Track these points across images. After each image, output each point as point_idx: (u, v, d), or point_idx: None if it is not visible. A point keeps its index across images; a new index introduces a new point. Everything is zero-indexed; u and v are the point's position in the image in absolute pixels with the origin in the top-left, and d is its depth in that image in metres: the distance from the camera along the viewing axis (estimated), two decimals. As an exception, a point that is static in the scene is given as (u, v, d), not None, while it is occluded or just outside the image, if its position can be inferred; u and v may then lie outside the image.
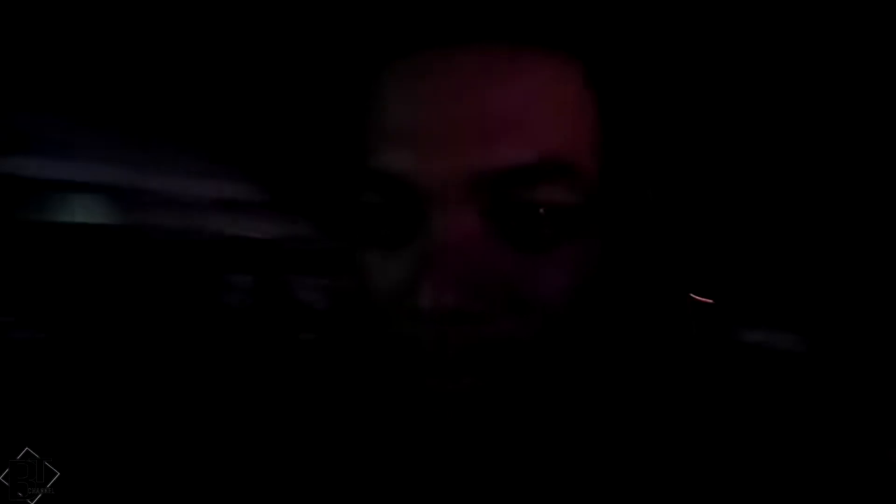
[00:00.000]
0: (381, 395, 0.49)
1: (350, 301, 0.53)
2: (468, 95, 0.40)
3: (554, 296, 0.41)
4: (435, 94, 0.41)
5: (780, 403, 0.50)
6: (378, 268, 0.44)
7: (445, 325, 0.40)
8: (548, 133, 0.41)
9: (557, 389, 0.44)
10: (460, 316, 0.40)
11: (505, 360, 0.41)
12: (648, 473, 0.45)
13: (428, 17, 0.42)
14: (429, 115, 0.41)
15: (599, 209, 0.43)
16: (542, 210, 0.41)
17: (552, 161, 0.40)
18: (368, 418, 0.51)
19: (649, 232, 0.48)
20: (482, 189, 0.40)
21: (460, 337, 0.40)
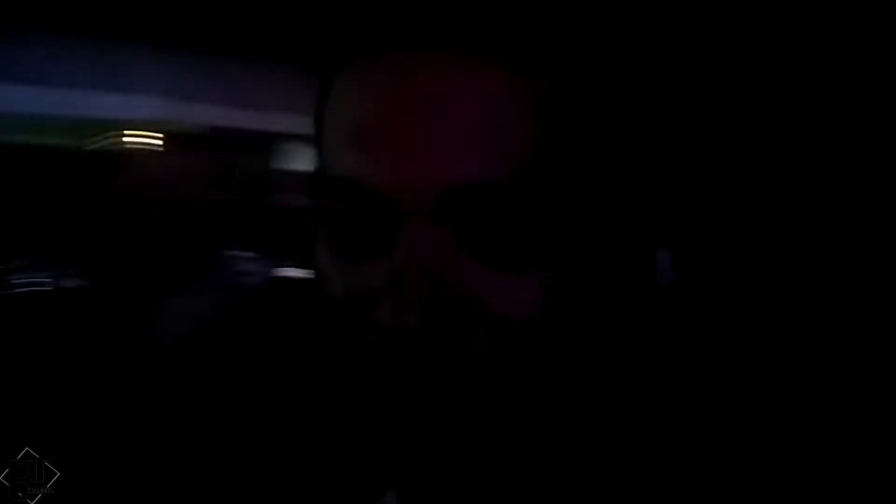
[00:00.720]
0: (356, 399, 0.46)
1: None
2: (444, 100, 0.37)
3: (527, 315, 0.38)
4: (407, 96, 0.38)
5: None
6: (338, 277, 0.41)
7: (410, 345, 0.37)
8: (524, 145, 0.38)
9: (531, 408, 0.41)
10: (426, 336, 0.37)
11: (475, 381, 0.39)
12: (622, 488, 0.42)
13: (408, 11, 0.39)
14: (399, 119, 0.37)
15: (575, 223, 0.40)
16: (515, 225, 0.38)
17: (528, 174, 0.37)
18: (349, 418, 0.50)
19: (628, 245, 0.45)
20: (454, 202, 0.37)
21: (426, 357, 0.38)
